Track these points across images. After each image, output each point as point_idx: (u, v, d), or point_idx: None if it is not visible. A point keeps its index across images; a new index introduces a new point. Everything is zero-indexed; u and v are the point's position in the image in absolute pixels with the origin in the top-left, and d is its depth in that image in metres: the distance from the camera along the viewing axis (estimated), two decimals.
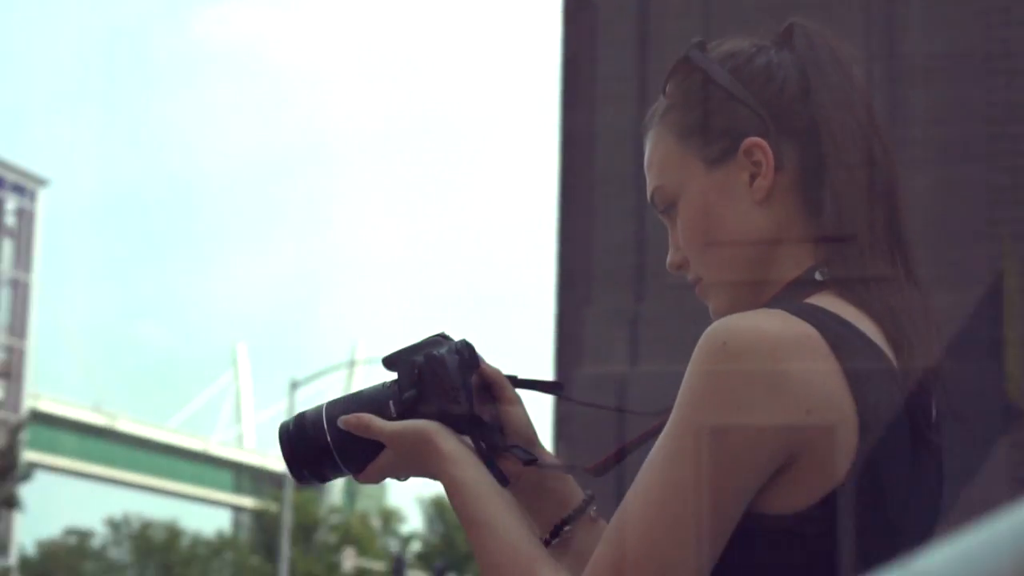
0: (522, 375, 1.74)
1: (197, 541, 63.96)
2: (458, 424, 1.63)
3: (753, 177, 1.57)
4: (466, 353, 1.67)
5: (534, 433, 1.70)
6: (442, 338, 1.70)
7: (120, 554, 62.98)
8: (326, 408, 1.68)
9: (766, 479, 1.40)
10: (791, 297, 1.51)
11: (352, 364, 60.38)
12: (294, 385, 35.24)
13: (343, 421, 1.64)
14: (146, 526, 62.86)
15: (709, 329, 1.42)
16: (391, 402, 1.66)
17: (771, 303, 1.50)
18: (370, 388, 1.70)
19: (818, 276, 1.54)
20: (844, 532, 1.41)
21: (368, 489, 65.77)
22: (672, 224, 1.63)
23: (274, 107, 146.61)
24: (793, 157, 1.57)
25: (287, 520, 36.02)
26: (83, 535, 62.82)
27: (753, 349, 1.39)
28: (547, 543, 1.63)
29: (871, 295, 1.52)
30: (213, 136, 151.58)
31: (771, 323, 1.42)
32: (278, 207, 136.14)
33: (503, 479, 1.60)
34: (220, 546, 63.05)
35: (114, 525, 62.81)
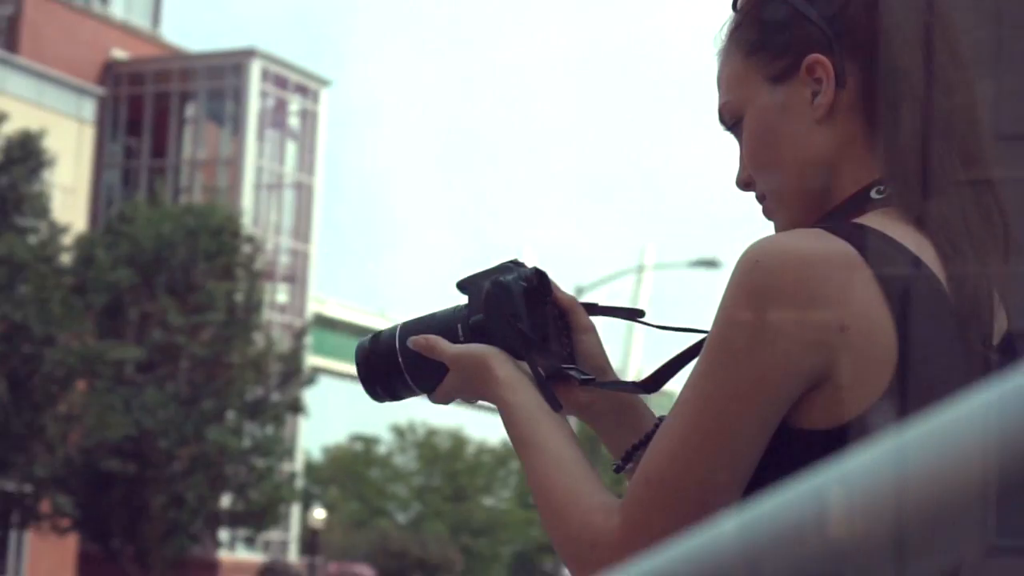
0: None
1: (482, 449, 63.77)
2: (518, 350, 1.64)
3: (815, 95, 1.55)
4: (535, 281, 1.69)
5: (605, 360, 1.73)
6: (513, 265, 1.72)
7: (405, 461, 63.29)
8: (400, 328, 1.72)
9: (799, 394, 1.41)
10: (843, 215, 1.51)
11: (640, 270, 58.46)
12: (579, 291, 33.82)
13: (412, 342, 1.69)
14: (431, 433, 62.82)
15: (746, 248, 1.43)
16: (459, 325, 1.69)
17: (820, 221, 1.50)
18: (444, 311, 1.72)
19: (874, 194, 1.53)
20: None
21: None
22: (740, 141, 1.63)
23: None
24: (856, 73, 1.55)
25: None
26: (368, 441, 63.17)
27: (785, 267, 1.40)
28: (620, 468, 1.69)
29: (929, 213, 1.49)
30: (504, 35, 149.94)
31: (806, 241, 1.43)
32: (566, 109, 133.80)
33: (556, 404, 1.61)
34: (505, 454, 62.60)
35: (399, 432, 63.07)
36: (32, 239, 27.60)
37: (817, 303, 1.41)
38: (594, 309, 1.77)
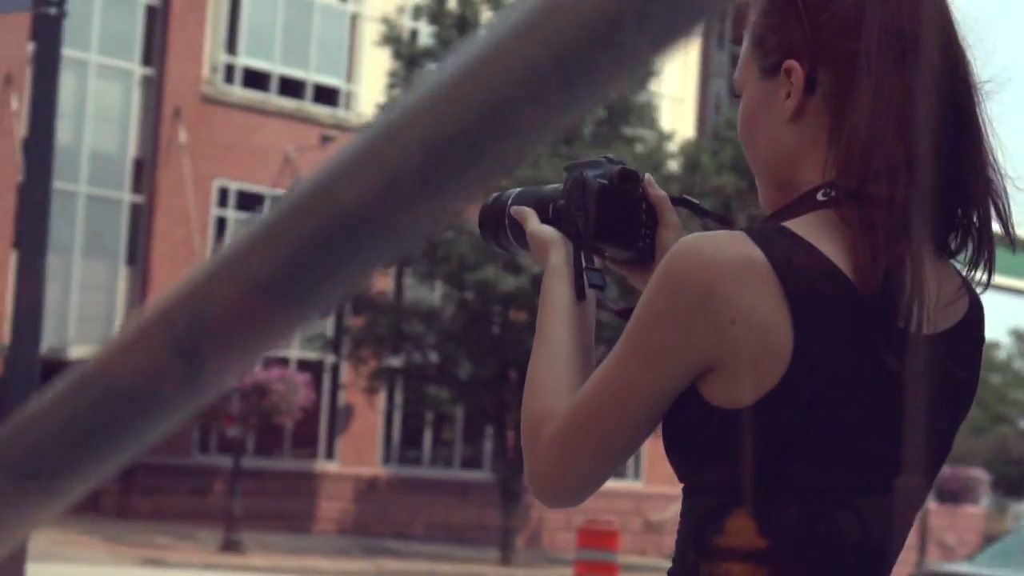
0: None
1: None
2: (575, 240, 1.88)
3: (787, 95, 1.73)
4: (616, 179, 1.91)
5: None
6: (605, 160, 1.94)
7: None
8: (516, 194, 2.02)
9: (695, 372, 1.65)
10: (789, 212, 1.71)
11: None
12: None
13: (514, 210, 1.99)
14: None
15: (680, 239, 1.67)
16: (551, 205, 1.94)
17: (773, 216, 1.74)
18: (551, 187, 1.98)
19: (820, 196, 1.70)
20: (774, 435, 1.64)
21: None
22: None
23: None
24: (827, 83, 1.71)
25: None
26: (989, 346, 61.60)
27: (692, 265, 1.63)
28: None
29: (870, 219, 1.63)
30: None
31: (716, 245, 1.63)
32: None
33: (580, 295, 1.86)
34: None
35: (1019, 336, 60.97)
36: (640, 148, 28.82)
37: (710, 299, 1.62)
38: (680, 202, 2.00)
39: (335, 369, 30.40)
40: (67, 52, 27.67)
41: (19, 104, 25.51)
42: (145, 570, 20.48)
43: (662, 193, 1.99)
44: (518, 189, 2.04)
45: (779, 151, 1.77)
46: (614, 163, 1.95)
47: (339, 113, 30.94)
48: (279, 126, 29.95)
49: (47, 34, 9.54)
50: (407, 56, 28.00)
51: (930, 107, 1.66)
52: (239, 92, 29.74)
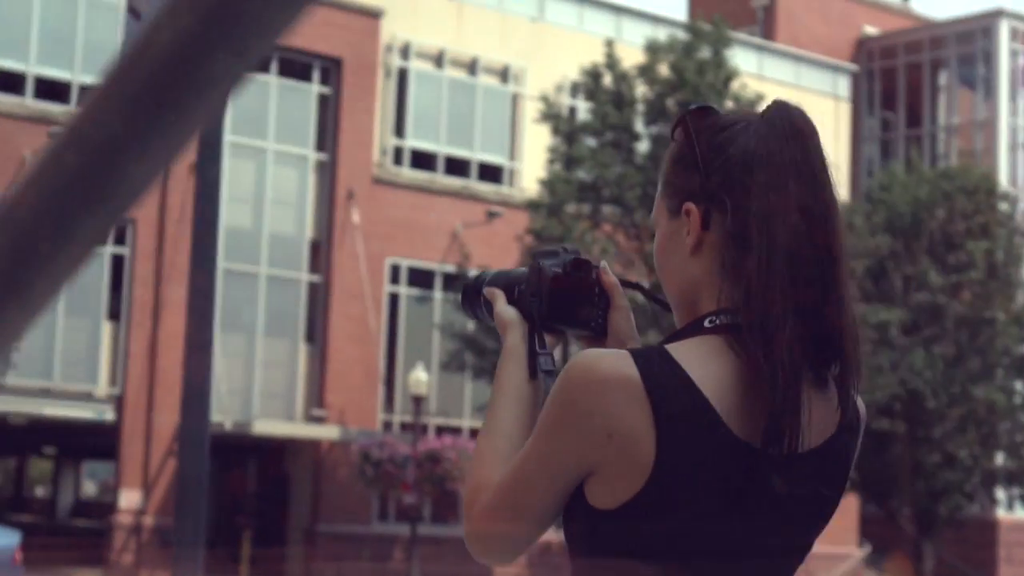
0: None
1: None
2: (530, 323, 2.17)
3: (684, 231, 1.99)
4: (569, 268, 2.18)
5: (628, 335, 2.18)
6: (562, 250, 2.23)
7: None
8: (492, 276, 2.31)
9: (581, 475, 1.91)
10: (683, 335, 1.95)
11: None
12: None
13: (487, 290, 2.28)
14: None
15: (577, 353, 1.93)
16: (516, 288, 2.22)
17: (669, 337, 1.96)
18: (518, 271, 2.26)
19: (707, 323, 1.93)
20: (633, 538, 1.91)
21: None
22: None
23: None
24: (720, 222, 1.94)
25: None
26: None
27: (579, 381, 1.87)
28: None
29: (741, 352, 1.88)
30: None
31: (603, 363, 1.87)
32: None
33: (532, 374, 2.11)
34: None
35: None
36: None
37: (592, 414, 1.86)
38: (630, 285, 2.25)
39: None
40: (246, 140, 29.28)
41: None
42: None
43: (614, 280, 2.19)
44: (496, 271, 2.32)
45: (683, 281, 2.00)
46: (570, 253, 2.21)
47: (503, 189, 32.11)
48: (446, 204, 31.17)
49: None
50: (566, 132, 29.00)
51: (808, 248, 1.91)
52: (408, 173, 31.06)
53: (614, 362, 1.86)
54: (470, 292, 2.33)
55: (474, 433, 29.78)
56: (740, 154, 1.95)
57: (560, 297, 2.17)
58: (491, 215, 31.33)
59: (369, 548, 29.38)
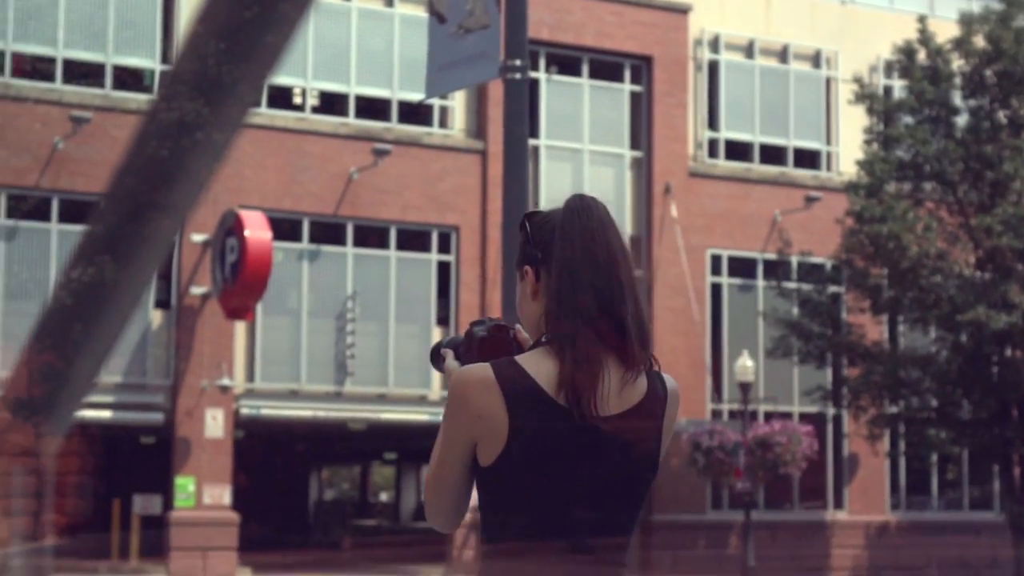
0: None
1: None
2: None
3: (529, 285, 3.17)
4: (492, 331, 3.27)
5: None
6: (488, 320, 3.33)
7: None
8: (447, 341, 3.36)
9: (468, 446, 3.06)
10: (530, 349, 3.13)
11: None
12: None
13: (442, 350, 3.32)
14: None
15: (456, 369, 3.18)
16: (460, 348, 3.30)
17: (526, 351, 3.15)
18: (461, 337, 3.34)
19: (543, 339, 3.09)
20: (510, 479, 3.01)
21: None
22: None
23: None
24: (545, 277, 3.12)
25: None
26: None
27: (458, 383, 3.06)
28: None
29: (560, 357, 3.02)
30: None
31: (470, 371, 3.06)
32: None
33: None
34: None
35: None
36: None
37: (468, 404, 3.00)
38: (536, 344, 3.16)
39: (836, 420, 31.15)
40: (561, 143, 30.12)
41: None
42: None
43: (525, 336, 3.23)
44: (450, 338, 3.38)
45: (530, 318, 3.15)
46: (493, 321, 3.31)
47: (821, 174, 31.98)
48: (764, 193, 31.26)
49: (515, 97, 11.08)
50: (881, 112, 28.68)
51: (595, 277, 3.05)
52: (723, 164, 31.31)
53: (477, 370, 3.03)
54: (434, 352, 3.37)
55: (803, 417, 29.79)
56: (549, 232, 3.12)
57: (486, 351, 3.21)
58: (809, 200, 31.23)
59: (704, 535, 29.71)
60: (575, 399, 2.96)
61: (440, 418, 3.10)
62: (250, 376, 27.11)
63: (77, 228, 25.71)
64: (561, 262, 3.05)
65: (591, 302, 3.01)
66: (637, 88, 30.89)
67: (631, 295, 3.04)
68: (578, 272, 3.03)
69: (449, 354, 3.28)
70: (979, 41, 27.78)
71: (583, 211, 3.09)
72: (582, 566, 3.01)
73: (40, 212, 26.01)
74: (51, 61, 26.52)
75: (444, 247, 28.76)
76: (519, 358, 3.02)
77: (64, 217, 25.88)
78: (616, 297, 3.02)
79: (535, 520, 2.98)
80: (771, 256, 30.46)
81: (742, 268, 31.27)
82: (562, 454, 2.97)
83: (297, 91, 28.56)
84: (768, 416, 29.52)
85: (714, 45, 31.68)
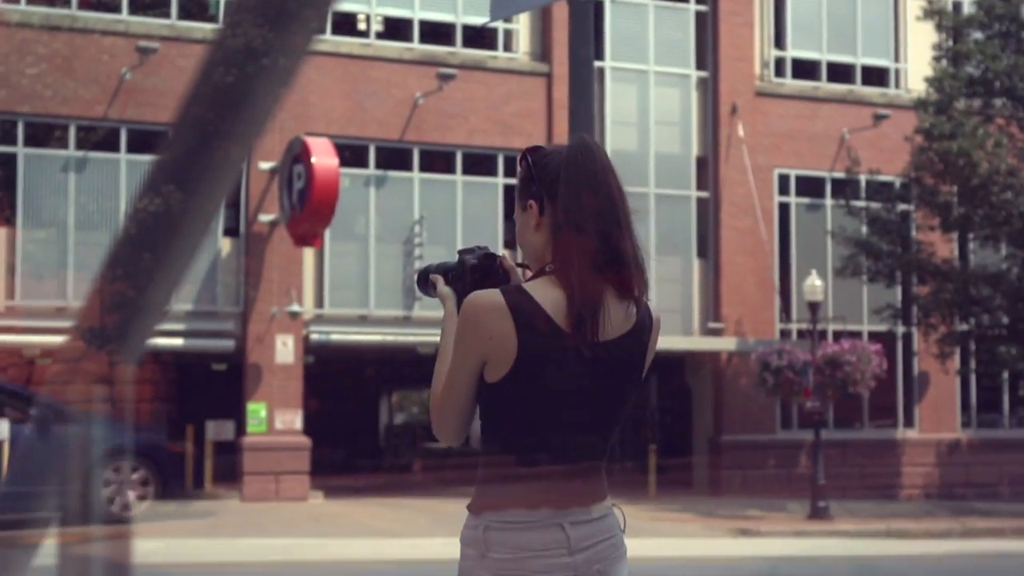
0: None
1: None
2: (460, 294, 3.52)
3: (530, 217, 3.45)
4: (482, 260, 3.58)
5: None
6: (476, 248, 3.61)
7: None
8: (435, 266, 3.64)
9: (479, 365, 3.35)
10: (535, 277, 3.42)
11: None
12: None
13: (431, 276, 3.61)
14: None
15: (470, 294, 3.39)
16: (450, 273, 3.59)
17: (529, 279, 3.44)
18: (451, 263, 3.60)
19: (547, 269, 3.38)
20: (514, 394, 3.34)
21: None
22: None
23: None
24: (549, 210, 3.40)
25: None
26: None
27: (472, 306, 3.32)
28: None
29: (564, 285, 3.32)
30: None
31: (483, 297, 3.32)
32: None
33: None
34: None
35: None
36: None
37: (482, 327, 3.29)
38: (521, 266, 3.54)
39: (906, 338, 30.97)
40: (627, 65, 29.93)
41: None
42: (738, 540, 21.46)
43: (511, 264, 3.57)
44: (439, 263, 3.66)
45: (534, 248, 3.45)
46: (482, 249, 3.61)
47: (889, 91, 31.57)
48: (831, 111, 30.93)
49: (580, 18, 11.05)
50: (950, 27, 28.24)
51: (596, 215, 3.37)
52: (790, 83, 30.97)
53: (490, 295, 3.33)
54: (422, 277, 3.63)
55: (873, 336, 29.65)
56: (553, 169, 3.40)
57: (475, 277, 3.53)
58: (878, 118, 30.86)
59: (773, 455, 29.73)
60: (578, 324, 3.28)
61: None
62: (319, 302, 27.31)
63: (145, 158, 25.93)
64: (568, 199, 3.35)
65: (594, 237, 3.32)
66: (702, 7, 30.57)
67: (629, 232, 3.38)
68: (583, 209, 3.33)
69: (439, 280, 3.58)
70: None
71: (587, 152, 3.40)
72: (571, 473, 3.35)
73: (108, 143, 26.21)
74: None
75: (510, 171, 28.73)
76: (526, 286, 3.35)
77: (132, 147, 26.07)
78: (615, 234, 3.35)
79: (532, 429, 3.33)
80: (839, 175, 30.20)
81: (810, 187, 31.02)
82: (562, 373, 3.31)
83: (361, 17, 28.51)
84: (837, 335, 29.41)
85: None
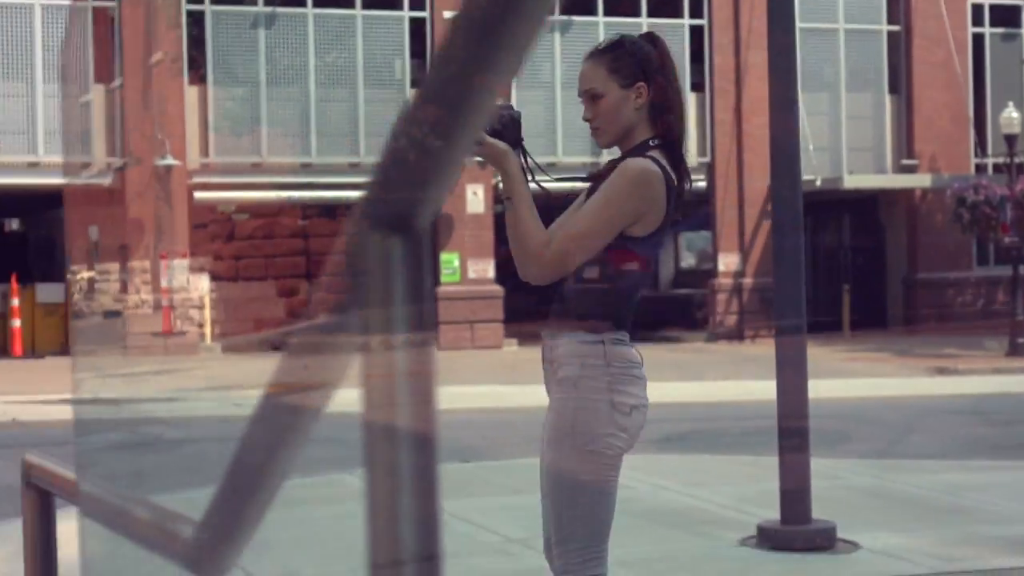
0: None
1: None
2: (518, 147, 3.98)
3: (636, 97, 4.02)
4: (515, 114, 3.98)
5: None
6: (509, 105, 4.10)
7: None
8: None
9: (632, 222, 3.91)
10: (642, 150, 3.99)
11: None
12: None
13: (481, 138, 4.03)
14: None
15: (630, 161, 3.96)
16: (489, 128, 3.84)
17: (633, 151, 4.01)
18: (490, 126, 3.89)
19: (651, 143, 4.01)
20: (655, 244, 4.01)
21: None
22: (587, 104, 4.07)
23: None
24: (649, 92, 4.02)
25: None
26: None
27: (644, 174, 3.91)
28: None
29: (669, 155, 4.01)
30: None
31: (649, 165, 3.92)
32: None
33: (529, 180, 3.99)
34: None
35: None
36: None
37: (650, 189, 3.92)
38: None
39: None
40: None
41: None
42: (935, 379, 21.26)
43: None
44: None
45: (628, 124, 4.02)
46: (511, 107, 4.03)
47: None
48: None
49: None
50: None
51: (682, 103, 4.11)
52: None
53: (653, 165, 3.93)
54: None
55: None
56: (647, 59, 4.02)
57: (519, 129, 3.99)
58: None
59: (970, 292, 29.28)
60: (685, 186, 4.03)
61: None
62: None
63: (333, 12, 26.19)
64: (673, 86, 4.07)
65: (680, 119, 4.09)
66: None
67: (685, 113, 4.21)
68: (679, 94, 4.10)
69: (481, 135, 3.77)
70: None
71: (665, 49, 4.11)
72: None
73: None
74: None
75: (696, 12, 28.31)
76: (655, 156, 3.99)
77: (319, 2, 26.32)
78: (683, 112, 4.17)
79: (649, 268, 4.03)
80: None
81: (1005, 16, 29.99)
82: (673, 207, 4.02)
83: None
84: None
85: None
